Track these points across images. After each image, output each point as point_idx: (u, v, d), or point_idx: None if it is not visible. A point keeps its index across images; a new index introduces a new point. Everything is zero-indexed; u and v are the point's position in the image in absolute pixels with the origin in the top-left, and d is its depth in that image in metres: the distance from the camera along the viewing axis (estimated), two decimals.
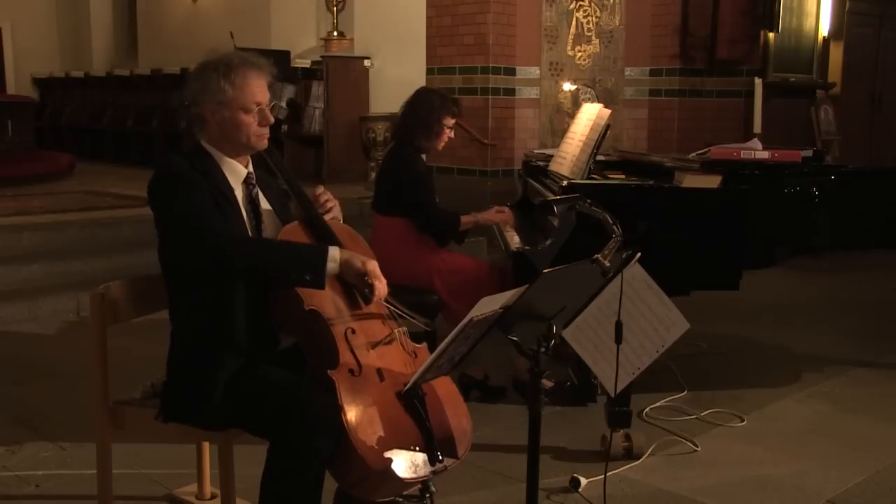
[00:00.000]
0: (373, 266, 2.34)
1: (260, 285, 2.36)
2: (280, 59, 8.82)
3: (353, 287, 2.41)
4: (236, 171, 2.45)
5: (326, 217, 2.52)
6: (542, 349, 2.16)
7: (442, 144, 3.96)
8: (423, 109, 3.90)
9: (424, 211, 3.88)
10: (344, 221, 2.63)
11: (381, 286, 2.35)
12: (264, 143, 2.47)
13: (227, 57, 2.42)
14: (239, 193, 2.44)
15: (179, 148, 2.63)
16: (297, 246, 2.36)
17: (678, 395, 4.02)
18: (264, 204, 2.50)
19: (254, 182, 2.48)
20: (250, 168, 2.49)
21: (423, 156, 3.97)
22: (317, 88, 9.14)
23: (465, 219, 3.97)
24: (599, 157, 4.00)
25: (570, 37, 8.13)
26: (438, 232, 3.92)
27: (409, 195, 3.87)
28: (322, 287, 2.28)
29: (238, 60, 2.41)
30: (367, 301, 2.41)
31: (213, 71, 2.38)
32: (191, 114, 2.44)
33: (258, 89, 2.42)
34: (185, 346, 2.42)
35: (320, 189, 2.58)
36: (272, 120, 2.45)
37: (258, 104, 2.40)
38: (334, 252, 2.30)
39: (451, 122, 3.93)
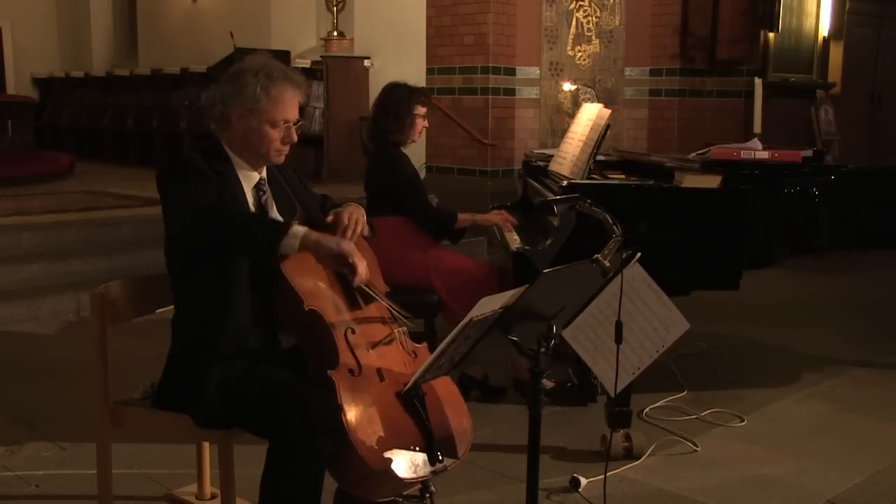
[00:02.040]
0: (348, 246, 2.27)
1: (264, 285, 2.36)
2: (280, 60, 8.82)
3: (334, 271, 2.36)
4: (249, 177, 2.45)
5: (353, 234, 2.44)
6: (542, 349, 2.16)
7: (417, 135, 3.97)
8: (391, 104, 3.91)
9: (421, 209, 3.90)
10: None
11: (361, 265, 2.29)
12: (281, 160, 2.46)
13: (268, 66, 2.40)
14: (249, 198, 2.44)
15: (179, 147, 2.62)
16: (261, 216, 2.35)
17: (678, 395, 4.02)
18: (273, 210, 2.49)
19: (264, 188, 2.48)
20: (263, 174, 2.49)
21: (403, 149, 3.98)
22: (317, 88, 9.15)
23: (462, 216, 3.97)
24: (599, 157, 4.00)
25: (570, 37, 8.12)
26: (435, 228, 3.93)
27: (404, 196, 3.88)
28: (275, 258, 2.24)
29: (279, 73, 2.39)
30: (351, 284, 2.35)
31: (253, 77, 2.36)
32: (215, 112, 2.43)
33: (290, 106, 2.40)
34: (185, 342, 2.42)
35: (331, 218, 2.49)
36: (296, 139, 2.44)
37: (286, 121, 2.40)
38: (298, 229, 2.23)
39: (421, 110, 3.93)
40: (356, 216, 2.45)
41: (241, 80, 2.38)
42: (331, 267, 2.34)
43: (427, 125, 4.02)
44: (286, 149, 2.44)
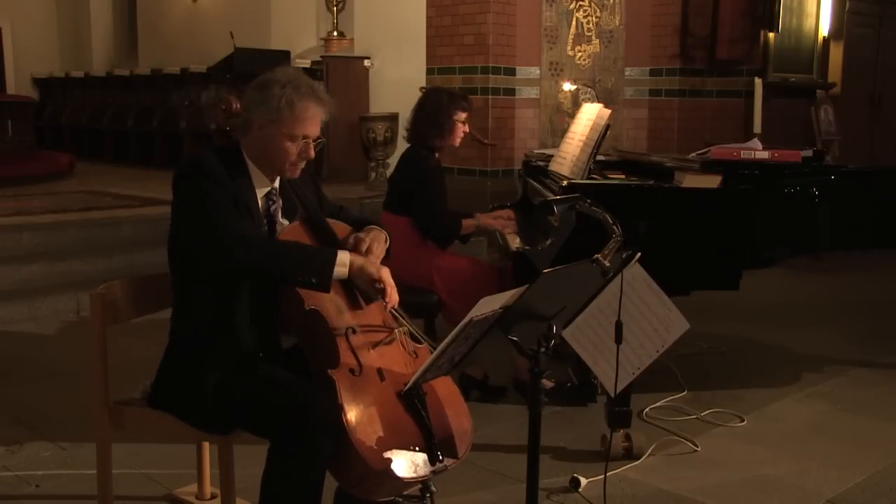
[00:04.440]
0: (386, 274, 2.35)
1: (266, 286, 2.37)
2: (280, 59, 8.82)
3: (363, 293, 2.41)
4: (262, 185, 2.46)
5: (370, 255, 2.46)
6: (542, 349, 2.16)
7: (457, 141, 3.96)
8: (432, 109, 3.91)
9: (428, 210, 3.88)
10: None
11: (394, 293, 2.35)
12: (296, 175, 2.46)
13: (296, 80, 2.40)
14: (260, 204, 2.45)
15: (179, 147, 2.62)
16: (307, 248, 2.35)
17: (678, 395, 4.02)
18: (279, 217, 2.50)
19: (275, 198, 2.49)
20: (276, 184, 2.49)
21: (437, 155, 3.97)
22: None
23: (466, 222, 3.97)
24: (599, 157, 4.00)
25: (570, 37, 8.12)
26: (441, 234, 3.92)
27: (418, 192, 3.87)
28: (328, 291, 2.29)
29: (306, 88, 2.39)
30: (384, 307, 2.40)
31: (280, 89, 2.36)
32: (239, 117, 2.46)
33: (312, 123, 2.41)
34: (184, 342, 2.42)
35: (352, 242, 2.50)
36: (312, 155, 2.44)
37: (305, 137, 2.40)
38: (344, 256, 2.31)
39: (462, 116, 3.93)
40: (375, 245, 2.47)
41: (268, 91, 2.37)
42: (364, 289, 2.38)
43: (468, 130, 4.00)
44: (301, 164, 2.45)
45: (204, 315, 2.39)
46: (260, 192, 2.45)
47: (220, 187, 2.32)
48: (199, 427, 2.39)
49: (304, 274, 2.27)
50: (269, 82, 2.39)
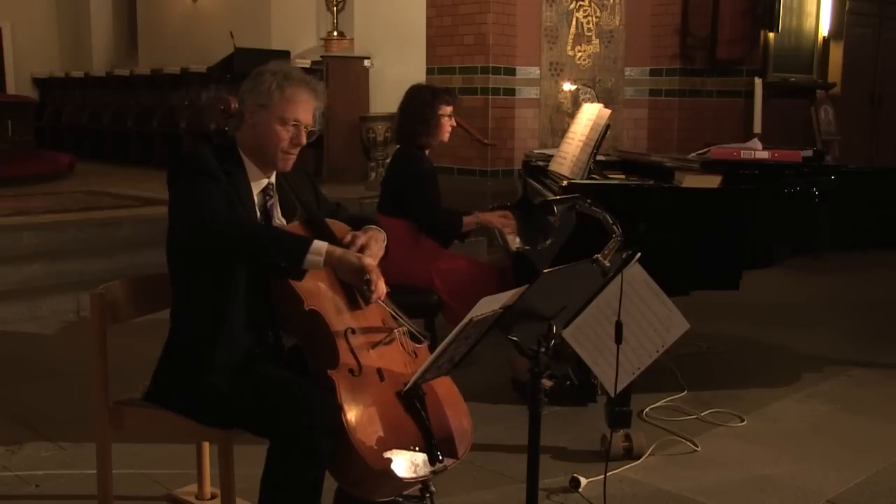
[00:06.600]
0: (370, 262, 2.30)
1: (265, 284, 2.36)
2: (279, 60, 8.83)
3: (352, 286, 2.40)
4: (258, 181, 2.46)
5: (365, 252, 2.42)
6: (542, 349, 2.16)
7: (446, 135, 3.95)
8: (416, 106, 3.90)
9: (427, 210, 3.88)
10: None
11: (381, 283, 2.32)
12: (288, 166, 2.47)
13: (287, 68, 2.45)
14: (256, 200, 2.45)
15: (179, 147, 2.62)
16: (284, 232, 2.33)
17: (678, 395, 4.02)
18: (277, 214, 2.50)
19: (271, 193, 2.49)
20: (272, 179, 2.50)
21: (427, 152, 3.97)
22: None
23: (467, 219, 3.97)
24: (599, 157, 4.00)
25: (570, 37, 8.12)
26: (441, 233, 3.92)
27: (413, 194, 3.87)
28: (300, 278, 2.26)
29: (297, 76, 2.44)
30: (367, 300, 2.39)
31: (271, 76, 2.41)
32: (234, 110, 2.49)
33: (303, 108, 2.42)
34: (183, 337, 2.42)
35: (348, 239, 2.47)
36: (304, 141, 2.44)
37: (296, 121, 2.41)
38: (320, 245, 2.24)
39: (447, 110, 3.92)
40: (372, 243, 2.44)
41: (259, 78, 2.43)
42: (349, 281, 2.35)
43: (454, 124, 4.00)
44: (294, 154, 2.45)
45: (202, 312, 2.38)
46: (256, 188, 2.45)
47: (211, 178, 2.32)
48: (198, 420, 2.38)
49: (275, 255, 2.23)
50: (260, 71, 2.44)
